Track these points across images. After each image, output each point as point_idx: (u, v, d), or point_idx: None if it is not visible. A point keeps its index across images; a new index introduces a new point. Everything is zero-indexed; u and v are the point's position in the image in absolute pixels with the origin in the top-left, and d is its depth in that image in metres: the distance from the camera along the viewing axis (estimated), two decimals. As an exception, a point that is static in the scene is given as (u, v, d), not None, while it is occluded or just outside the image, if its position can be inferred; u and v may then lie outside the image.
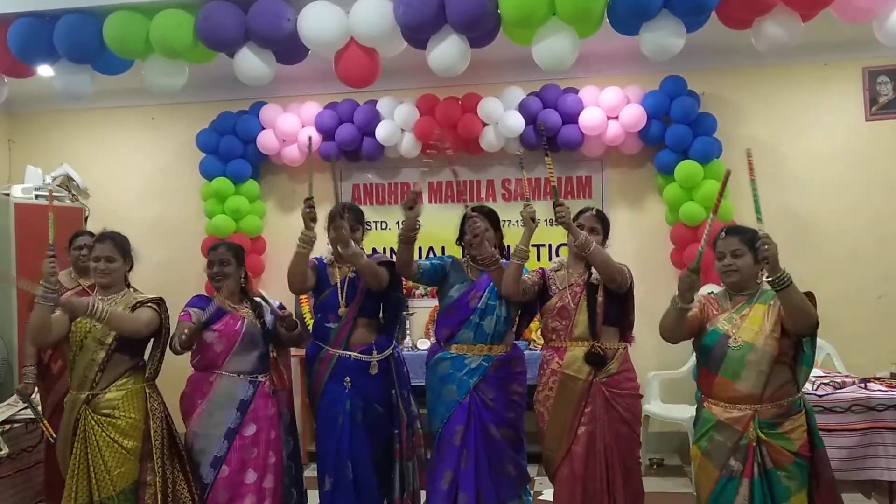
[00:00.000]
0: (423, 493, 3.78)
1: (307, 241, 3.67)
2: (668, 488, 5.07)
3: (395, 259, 3.75)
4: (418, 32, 4.07)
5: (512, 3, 3.83)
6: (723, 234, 3.09)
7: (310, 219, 3.66)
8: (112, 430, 3.34)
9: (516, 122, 5.54)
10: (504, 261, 3.63)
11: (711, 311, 3.09)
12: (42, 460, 4.44)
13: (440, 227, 5.93)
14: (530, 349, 5.46)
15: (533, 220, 3.51)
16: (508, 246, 3.87)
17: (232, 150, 5.99)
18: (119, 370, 3.41)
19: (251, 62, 4.24)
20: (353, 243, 3.61)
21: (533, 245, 5.96)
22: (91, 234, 4.32)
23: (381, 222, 6.20)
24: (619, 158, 5.90)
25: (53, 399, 4.23)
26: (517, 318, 3.80)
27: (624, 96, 5.53)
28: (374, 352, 3.75)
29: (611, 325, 3.52)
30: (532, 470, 5.28)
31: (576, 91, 5.64)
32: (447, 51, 4.05)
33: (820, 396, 3.82)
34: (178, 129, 6.32)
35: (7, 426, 4.42)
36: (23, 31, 4.26)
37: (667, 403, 5.37)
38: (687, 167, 5.37)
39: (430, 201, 6.15)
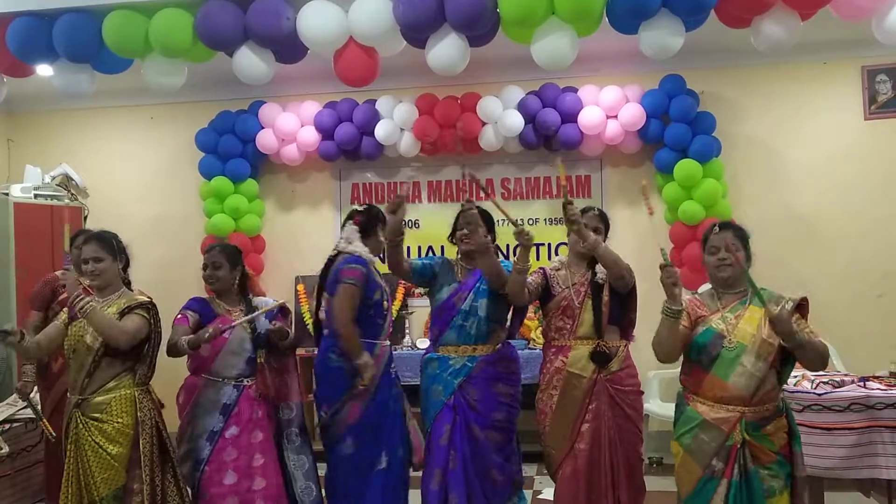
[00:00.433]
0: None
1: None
2: (668, 487, 5.03)
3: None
4: (417, 31, 4.07)
5: (511, 2, 3.83)
6: (716, 228, 3.06)
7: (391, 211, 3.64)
8: (98, 435, 3.27)
9: (515, 121, 5.54)
10: (504, 261, 3.69)
11: (699, 311, 3.05)
12: (42, 459, 4.45)
13: (440, 226, 5.96)
14: (529, 348, 5.47)
15: (530, 243, 3.49)
16: (508, 245, 3.86)
17: (231, 150, 5.99)
18: (109, 374, 3.33)
19: (250, 61, 4.24)
20: None
21: (533, 244, 6.04)
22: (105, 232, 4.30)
23: (381, 221, 6.20)
24: (618, 157, 5.90)
25: (53, 398, 4.24)
26: (508, 319, 3.81)
27: (623, 95, 5.53)
28: None
29: (613, 324, 3.56)
30: (532, 469, 5.31)
31: (575, 90, 5.64)
32: (446, 50, 4.05)
33: (819, 395, 3.82)
34: (178, 128, 6.31)
35: (7, 425, 4.44)
36: (22, 30, 4.26)
37: (667, 402, 5.37)
38: (686, 166, 5.37)
39: (429, 200, 6.16)
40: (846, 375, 4.13)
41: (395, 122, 5.70)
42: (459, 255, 3.85)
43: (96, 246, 3.39)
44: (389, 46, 4.22)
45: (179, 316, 3.63)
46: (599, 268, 3.58)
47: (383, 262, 3.92)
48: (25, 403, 4.42)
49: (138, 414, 3.32)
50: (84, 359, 3.31)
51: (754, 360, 2.89)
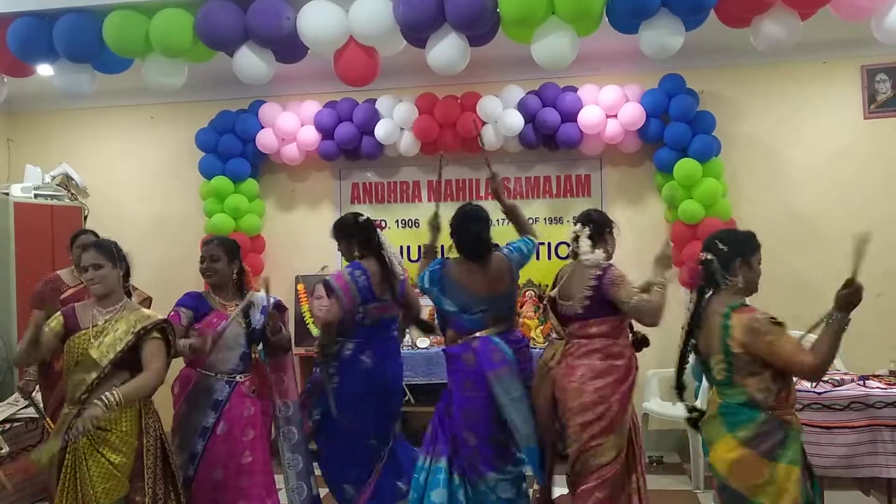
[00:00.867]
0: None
1: None
2: (668, 486, 5.08)
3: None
4: (418, 31, 4.07)
5: (511, 1, 3.83)
6: None
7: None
8: (102, 445, 3.14)
9: (515, 120, 5.54)
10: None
11: None
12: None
13: (441, 225, 5.96)
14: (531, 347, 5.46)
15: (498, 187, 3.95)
16: (496, 244, 3.92)
17: (231, 149, 5.99)
18: (112, 384, 3.16)
19: (251, 61, 4.24)
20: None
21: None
22: (93, 233, 4.31)
23: (382, 221, 6.20)
24: (618, 157, 5.90)
25: (56, 397, 4.23)
26: None
27: (623, 95, 5.54)
28: None
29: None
30: (532, 468, 5.30)
31: (575, 89, 5.64)
32: (446, 49, 4.05)
33: (819, 394, 3.83)
34: (178, 127, 6.31)
35: (7, 425, 4.44)
36: (22, 30, 4.26)
37: (666, 402, 5.37)
38: (686, 165, 5.37)
39: (429, 199, 6.16)
40: (846, 374, 4.14)
41: (395, 121, 5.71)
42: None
43: (95, 252, 3.28)
44: (389, 46, 4.23)
45: (172, 313, 3.58)
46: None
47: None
48: (27, 403, 4.44)
49: (143, 425, 3.23)
50: (87, 374, 3.17)
51: None
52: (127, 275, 3.40)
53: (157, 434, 3.28)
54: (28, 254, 5.54)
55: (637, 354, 3.71)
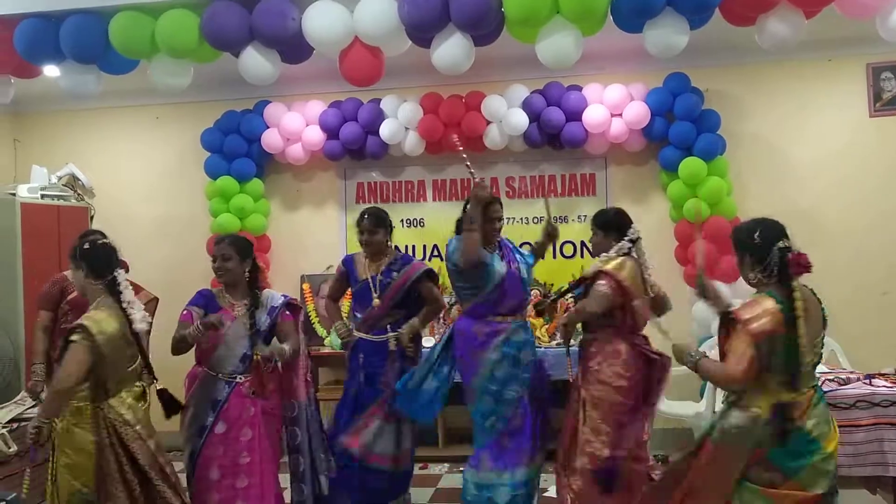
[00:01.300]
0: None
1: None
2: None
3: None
4: (422, 31, 4.08)
5: (516, 1, 3.85)
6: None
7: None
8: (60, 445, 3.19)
9: (520, 119, 5.54)
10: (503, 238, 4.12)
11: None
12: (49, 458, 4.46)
13: (445, 224, 5.97)
14: (535, 346, 5.46)
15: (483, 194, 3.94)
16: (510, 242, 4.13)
17: (236, 149, 6.00)
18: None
19: (256, 61, 4.26)
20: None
21: (537, 242, 6.04)
22: (100, 233, 4.31)
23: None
24: (622, 156, 5.90)
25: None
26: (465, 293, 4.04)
27: (627, 93, 5.53)
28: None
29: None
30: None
31: (579, 88, 5.64)
32: (451, 49, 4.06)
33: (825, 392, 3.81)
34: (183, 128, 6.33)
35: (14, 424, 4.46)
36: (29, 31, 4.29)
37: (671, 400, 5.37)
38: (691, 164, 5.37)
39: (434, 199, 6.17)
40: (851, 373, 4.14)
41: (399, 121, 5.71)
42: None
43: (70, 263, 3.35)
44: (394, 46, 4.24)
45: (185, 312, 3.63)
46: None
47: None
48: (34, 402, 4.45)
49: (94, 422, 3.18)
50: None
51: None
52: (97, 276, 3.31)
53: (112, 433, 3.18)
54: (34, 254, 5.55)
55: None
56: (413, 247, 6.14)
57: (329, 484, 3.92)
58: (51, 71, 4.67)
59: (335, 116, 5.86)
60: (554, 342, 5.58)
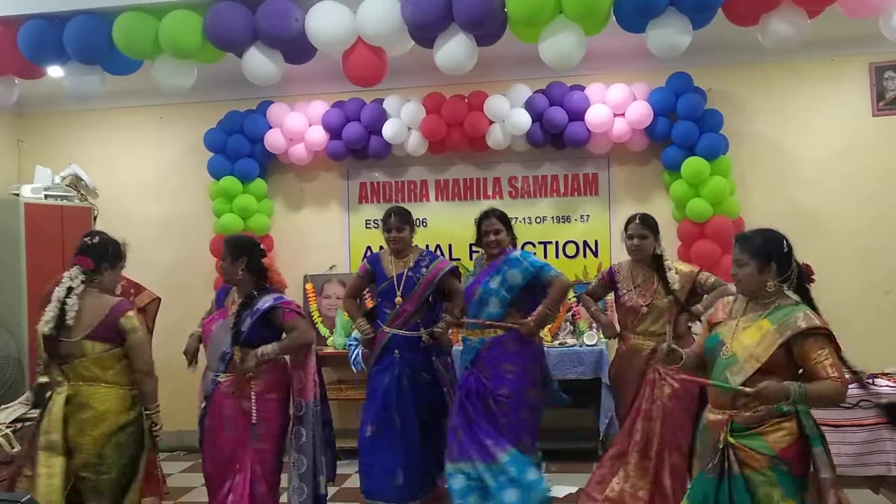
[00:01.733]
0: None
1: None
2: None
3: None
4: (425, 31, 4.09)
5: (518, 1, 3.85)
6: (734, 240, 3.01)
7: None
8: None
9: (523, 119, 5.55)
10: (511, 248, 4.30)
11: (721, 314, 3.00)
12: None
13: (447, 224, 5.99)
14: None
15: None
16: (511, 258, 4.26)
17: (240, 150, 6.01)
18: None
19: (259, 62, 4.26)
20: None
21: (539, 242, 6.06)
22: (102, 233, 4.32)
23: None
24: (625, 155, 5.90)
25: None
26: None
27: (630, 93, 5.54)
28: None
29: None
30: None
31: (582, 88, 5.65)
32: (454, 49, 4.07)
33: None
34: (186, 128, 6.34)
35: (18, 424, 4.47)
36: (33, 32, 4.30)
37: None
38: (693, 164, 5.37)
39: (437, 199, 6.17)
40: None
41: (402, 121, 5.72)
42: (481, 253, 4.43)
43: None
44: (397, 46, 4.24)
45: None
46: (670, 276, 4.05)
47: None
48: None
49: None
50: None
51: (737, 371, 2.80)
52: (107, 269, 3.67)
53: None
54: (38, 254, 5.57)
55: None
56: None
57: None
58: (55, 72, 4.68)
59: (338, 116, 5.87)
60: (556, 342, 5.59)
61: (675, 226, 5.65)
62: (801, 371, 2.79)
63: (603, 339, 5.57)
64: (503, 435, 4.07)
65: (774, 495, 2.73)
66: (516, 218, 5.99)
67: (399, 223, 4.41)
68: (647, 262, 4.12)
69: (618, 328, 4.19)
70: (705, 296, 4.04)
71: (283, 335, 3.81)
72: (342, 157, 6.00)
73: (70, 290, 3.53)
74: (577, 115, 5.58)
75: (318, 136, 5.90)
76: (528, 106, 5.59)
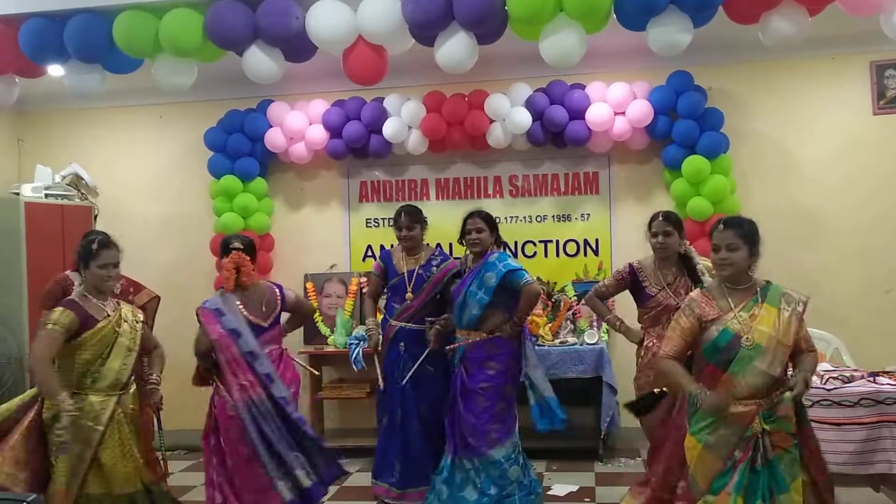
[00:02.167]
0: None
1: None
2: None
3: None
4: (426, 30, 4.08)
5: (519, -1, 3.85)
6: (720, 226, 3.09)
7: None
8: (133, 424, 3.63)
9: (523, 118, 5.54)
10: (493, 250, 4.35)
11: (708, 311, 3.06)
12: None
13: (448, 223, 5.97)
14: (538, 345, 5.48)
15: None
16: (505, 243, 4.43)
17: (240, 148, 6.00)
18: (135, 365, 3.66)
19: (260, 60, 4.26)
20: None
21: (540, 241, 6.06)
22: (103, 233, 4.33)
23: (390, 219, 6.20)
24: (626, 154, 5.90)
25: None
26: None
27: (631, 92, 5.53)
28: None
29: None
30: (541, 465, 5.32)
31: (583, 87, 5.64)
32: (455, 48, 4.06)
33: (828, 390, 3.82)
34: (187, 127, 6.33)
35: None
36: (34, 31, 4.30)
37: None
38: (694, 162, 5.37)
39: (437, 198, 6.17)
40: (855, 371, 4.12)
41: (402, 119, 5.72)
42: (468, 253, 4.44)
43: (117, 252, 3.64)
44: (398, 45, 4.24)
45: None
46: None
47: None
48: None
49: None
50: (126, 359, 3.57)
51: (770, 362, 2.95)
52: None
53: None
54: (39, 253, 5.57)
55: None
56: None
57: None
58: (55, 70, 4.68)
59: (338, 115, 5.86)
60: (557, 340, 5.59)
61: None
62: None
63: (604, 338, 5.58)
64: (483, 433, 4.19)
65: (794, 469, 2.97)
66: (516, 217, 6.03)
67: (409, 221, 4.59)
68: (674, 260, 4.09)
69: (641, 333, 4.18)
70: None
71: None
72: (342, 155, 6.00)
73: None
74: (578, 114, 5.57)
75: (318, 134, 5.90)
76: (529, 104, 5.59)
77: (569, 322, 5.69)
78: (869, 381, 3.93)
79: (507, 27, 4.11)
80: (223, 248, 4.04)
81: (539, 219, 6.03)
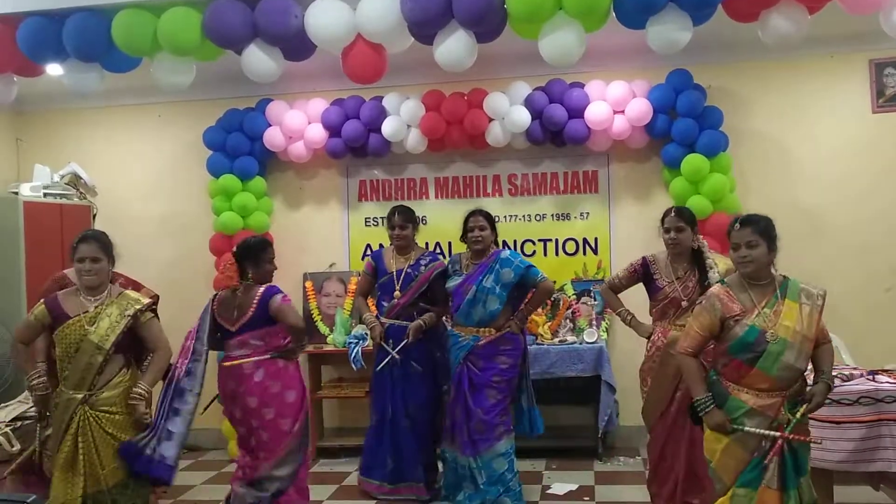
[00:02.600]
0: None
1: None
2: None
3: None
4: (425, 28, 4.08)
5: (518, -3, 3.84)
6: (737, 225, 3.17)
7: None
8: (110, 426, 3.47)
9: (522, 117, 5.54)
10: (496, 248, 4.55)
11: (734, 307, 3.14)
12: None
13: (447, 222, 5.98)
14: (537, 343, 5.48)
15: None
16: (504, 241, 4.36)
17: (239, 147, 5.99)
18: (115, 368, 3.54)
19: (259, 59, 4.25)
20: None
21: (539, 240, 6.06)
22: (91, 230, 4.35)
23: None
24: (625, 152, 5.90)
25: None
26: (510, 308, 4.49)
27: (630, 90, 5.53)
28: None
29: None
30: (540, 464, 5.33)
31: (582, 85, 5.64)
32: (454, 46, 4.06)
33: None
34: (186, 126, 6.32)
35: (18, 423, 4.47)
36: (32, 30, 4.29)
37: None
38: (693, 161, 5.36)
39: (436, 197, 6.17)
40: (855, 369, 4.13)
41: (401, 118, 5.71)
42: (468, 251, 4.59)
43: (96, 246, 3.56)
44: (397, 43, 4.23)
45: None
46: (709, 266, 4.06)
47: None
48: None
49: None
50: (92, 358, 3.45)
51: (796, 356, 3.07)
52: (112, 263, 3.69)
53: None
54: (37, 253, 5.57)
55: None
56: (415, 244, 6.14)
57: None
58: (54, 69, 4.67)
59: (337, 114, 5.86)
60: (556, 339, 5.59)
61: (675, 223, 5.65)
62: None
63: (603, 337, 5.58)
64: (493, 426, 4.37)
65: (808, 456, 3.16)
66: (515, 216, 6.02)
67: (402, 221, 4.72)
68: (687, 255, 4.13)
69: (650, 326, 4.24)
70: None
71: None
72: (342, 154, 5.99)
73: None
74: (577, 113, 5.57)
75: (317, 133, 5.89)
76: (528, 103, 5.59)
77: (568, 321, 5.69)
78: (868, 379, 3.94)
79: (506, 25, 4.10)
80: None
81: (538, 217, 6.02)
